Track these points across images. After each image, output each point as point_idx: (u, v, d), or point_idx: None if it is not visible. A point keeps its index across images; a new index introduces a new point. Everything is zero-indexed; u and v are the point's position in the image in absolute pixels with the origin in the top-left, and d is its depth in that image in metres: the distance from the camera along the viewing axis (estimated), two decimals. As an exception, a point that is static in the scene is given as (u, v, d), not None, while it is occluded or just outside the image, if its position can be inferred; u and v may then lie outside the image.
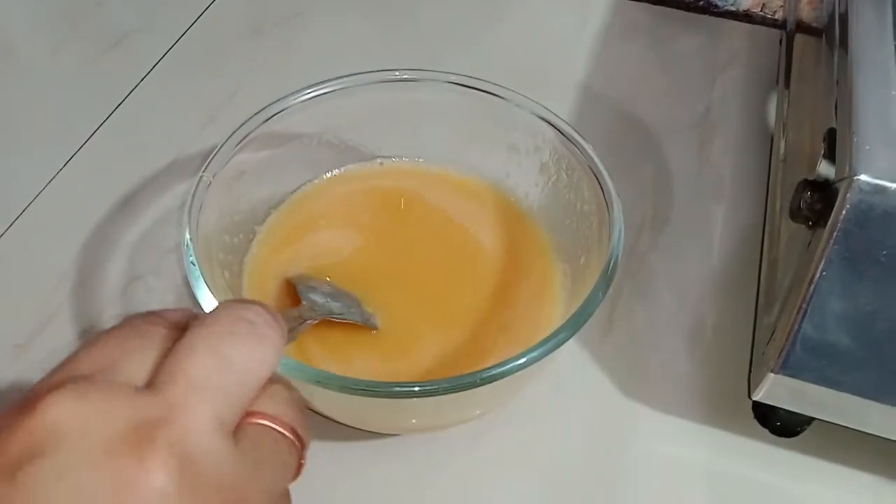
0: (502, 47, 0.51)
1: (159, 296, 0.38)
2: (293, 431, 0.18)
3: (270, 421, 0.18)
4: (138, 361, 0.17)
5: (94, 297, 0.38)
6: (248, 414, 0.18)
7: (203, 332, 0.17)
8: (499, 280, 0.34)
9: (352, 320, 0.31)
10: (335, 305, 0.31)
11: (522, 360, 0.27)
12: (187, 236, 0.29)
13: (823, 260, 0.26)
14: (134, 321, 0.19)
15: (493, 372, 0.27)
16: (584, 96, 0.47)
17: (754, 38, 0.52)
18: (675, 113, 0.47)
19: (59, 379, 0.17)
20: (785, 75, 0.42)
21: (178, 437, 0.15)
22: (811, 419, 0.31)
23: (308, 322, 0.29)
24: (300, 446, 0.18)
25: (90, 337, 0.18)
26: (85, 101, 0.47)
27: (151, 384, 0.17)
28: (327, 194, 0.37)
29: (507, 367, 0.27)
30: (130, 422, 0.15)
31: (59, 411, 0.15)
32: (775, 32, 0.52)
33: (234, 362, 0.17)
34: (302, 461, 0.19)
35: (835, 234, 0.25)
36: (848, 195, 0.25)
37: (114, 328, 0.18)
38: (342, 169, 0.37)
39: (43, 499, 0.14)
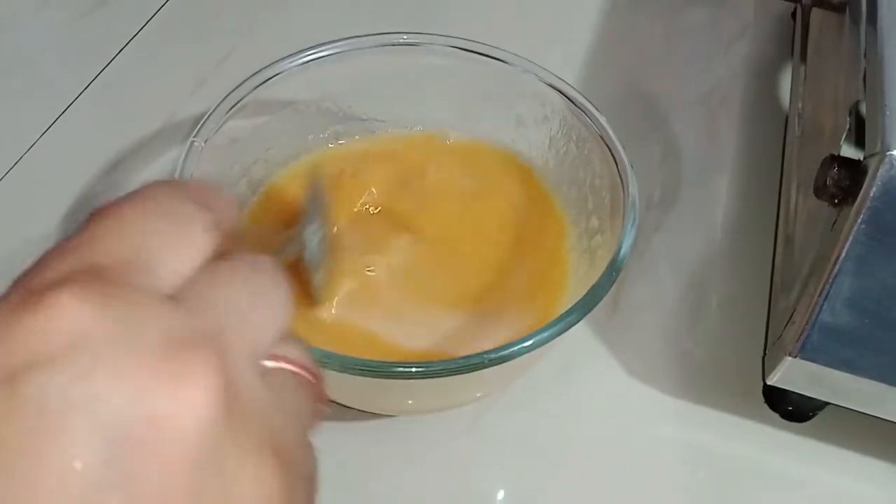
0: (503, 16, 0.49)
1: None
2: (313, 375, 0.16)
3: (291, 364, 0.16)
4: (168, 258, 0.14)
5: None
6: (270, 357, 0.16)
7: (237, 264, 0.15)
8: (506, 251, 0.33)
9: (311, 280, 0.28)
10: (314, 252, 0.28)
11: (530, 343, 0.26)
12: (177, 205, 0.28)
13: (850, 239, 0.24)
14: (159, 196, 0.15)
15: (501, 353, 0.26)
16: (588, 69, 0.46)
17: (764, 10, 0.51)
18: (682, 87, 0.46)
19: (70, 269, 0.13)
20: (801, 49, 0.41)
21: (218, 362, 0.13)
22: (824, 404, 0.30)
23: (283, 255, 0.26)
24: (320, 390, 0.17)
25: (101, 207, 0.14)
26: (69, 62, 0.45)
27: (182, 299, 0.14)
28: (330, 159, 0.35)
29: (515, 348, 0.26)
30: (163, 336, 0.13)
31: (76, 313, 0.12)
32: (786, 4, 0.50)
33: (269, 301, 0.15)
34: (324, 406, 0.17)
35: (863, 212, 0.24)
36: (879, 172, 0.23)
37: (133, 198, 0.15)
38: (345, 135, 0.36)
39: (45, 424, 0.12)
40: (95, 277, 0.13)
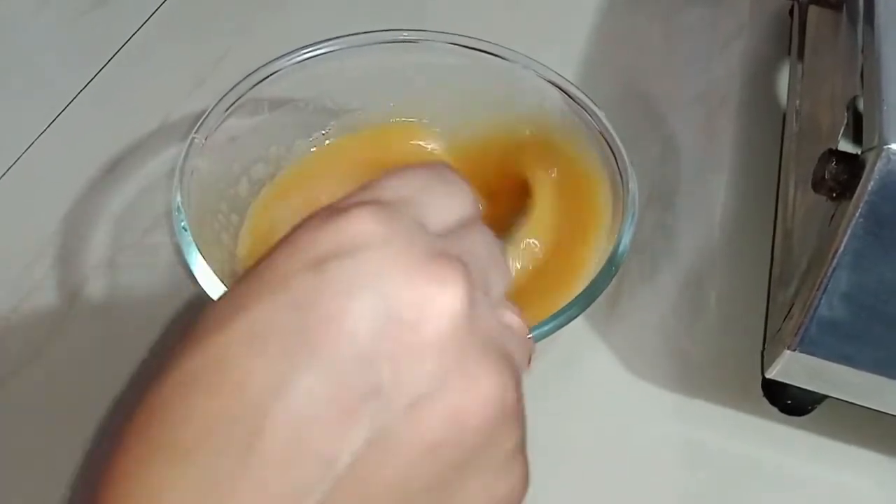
0: (501, 16, 0.49)
1: (147, 266, 0.36)
2: (526, 334, 0.19)
3: (513, 317, 0.18)
4: (437, 209, 0.17)
5: (78, 269, 0.36)
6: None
7: (485, 232, 0.18)
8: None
9: None
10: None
11: (530, 336, 0.26)
12: (178, 200, 0.28)
13: (848, 233, 0.24)
14: (441, 169, 0.19)
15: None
16: (586, 69, 0.46)
17: (761, 9, 0.51)
18: (680, 85, 0.46)
19: (364, 198, 0.17)
20: (798, 47, 0.41)
21: (467, 277, 0.16)
22: (823, 397, 0.30)
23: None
24: (530, 347, 0.19)
25: (395, 169, 0.18)
26: (67, 62, 0.45)
27: (442, 236, 0.17)
28: (335, 150, 0.35)
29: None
30: (428, 248, 0.16)
31: (365, 223, 0.16)
32: (783, 3, 0.50)
33: (501, 264, 0.19)
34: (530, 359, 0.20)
35: (861, 205, 0.24)
36: (877, 165, 0.24)
37: (422, 164, 0.19)
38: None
39: (341, 296, 0.15)
40: (384, 204, 0.16)
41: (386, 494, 0.15)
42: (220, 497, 0.13)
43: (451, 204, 0.18)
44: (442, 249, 0.16)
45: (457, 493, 0.15)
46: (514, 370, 0.16)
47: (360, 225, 0.16)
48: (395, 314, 0.15)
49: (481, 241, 0.18)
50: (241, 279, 0.16)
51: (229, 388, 0.14)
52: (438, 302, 0.15)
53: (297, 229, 0.16)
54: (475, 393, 0.15)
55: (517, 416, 0.16)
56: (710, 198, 0.41)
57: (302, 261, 0.15)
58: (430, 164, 0.19)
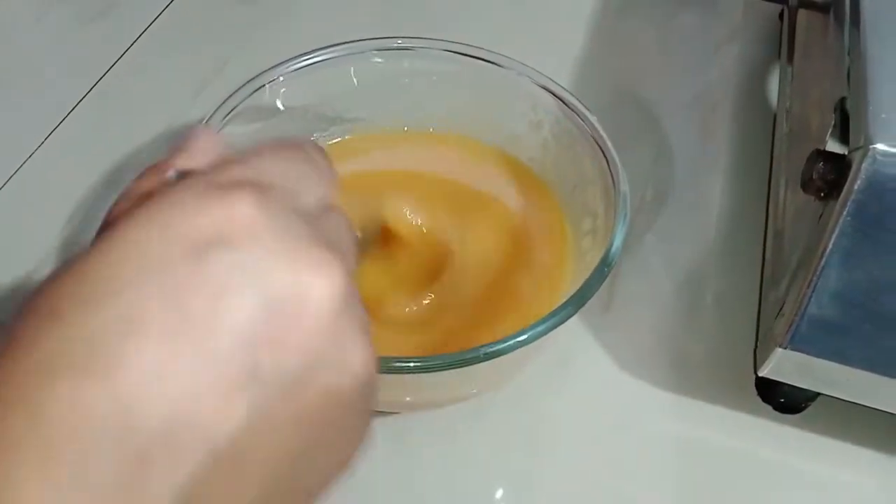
0: (498, 22, 0.50)
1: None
2: None
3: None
4: (306, 192, 0.18)
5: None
6: None
7: (343, 217, 0.19)
8: (507, 253, 0.33)
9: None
10: None
11: (525, 337, 0.27)
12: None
13: (836, 232, 0.25)
14: (308, 148, 0.19)
15: (497, 347, 0.26)
16: (582, 73, 0.47)
17: (752, 13, 0.51)
18: (674, 89, 0.47)
19: (243, 177, 0.17)
20: (788, 50, 0.42)
21: (343, 263, 0.16)
22: (816, 395, 0.31)
23: None
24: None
25: (261, 146, 0.18)
26: (68, 71, 0.45)
27: (313, 222, 0.17)
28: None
29: (510, 342, 0.26)
30: (307, 236, 0.16)
31: (245, 209, 0.15)
32: (773, 7, 0.51)
33: (354, 255, 0.20)
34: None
35: (848, 204, 0.25)
36: (863, 165, 0.24)
37: (287, 144, 0.19)
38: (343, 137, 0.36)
39: (223, 287, 0.15)
40: (264, 188, 0.16)
41: (259, 468, 0.15)
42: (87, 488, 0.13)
43: (316, 186, 0.18)
44: (316, 236, 0.16)
45: (315, 459, 0.17)
46: (374, 352, 0.17)
47: (241, 209, 0.15)
48: (276, 306, 0.15)
49: (341, 225, 0.19)
50: (92, 253, 0.15)
51: (103, 372, 0.14)
52: (317, 290, 0.16)
53: (161, 197, 0.15)
54: (349, 373, 0.16)
55: (374, 389, 0.18)
56: (705, 199, 0.41)
57: (180, 244, 0.15)
58: (298, 143, 0.19)
